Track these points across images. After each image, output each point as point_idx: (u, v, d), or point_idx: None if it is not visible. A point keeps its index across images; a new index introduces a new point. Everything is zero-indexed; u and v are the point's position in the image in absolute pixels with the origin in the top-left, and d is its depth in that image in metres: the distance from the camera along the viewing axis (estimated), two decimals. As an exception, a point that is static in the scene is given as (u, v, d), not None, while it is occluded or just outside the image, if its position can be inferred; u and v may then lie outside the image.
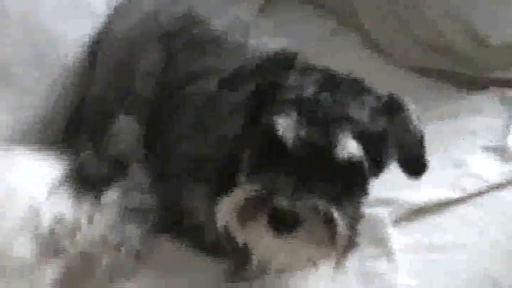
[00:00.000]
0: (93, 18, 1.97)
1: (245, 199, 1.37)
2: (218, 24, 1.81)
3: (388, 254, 1.68)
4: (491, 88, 2.07)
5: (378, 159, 1.44)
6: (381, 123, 1.43)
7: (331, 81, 1.44)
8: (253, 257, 1.46)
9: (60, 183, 1.76)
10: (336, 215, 1.34)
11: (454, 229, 1.76)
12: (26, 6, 1.88)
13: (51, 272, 1.59)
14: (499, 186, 1.86)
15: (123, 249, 1.62)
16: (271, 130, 1.37)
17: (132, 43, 1.88)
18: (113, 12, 2.00)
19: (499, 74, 2.06)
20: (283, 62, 1.47)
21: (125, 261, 1.62)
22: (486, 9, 2.06)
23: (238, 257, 1.58)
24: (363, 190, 1.43)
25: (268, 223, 1.33)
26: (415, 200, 1.78)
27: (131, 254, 1.63)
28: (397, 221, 1.75)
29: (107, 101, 1.86)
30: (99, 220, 1.67)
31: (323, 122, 1.36)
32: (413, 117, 1.47)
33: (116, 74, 1.88)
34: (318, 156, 1.35)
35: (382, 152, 1.45)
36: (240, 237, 1.42)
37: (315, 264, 1.43)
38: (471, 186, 1.82)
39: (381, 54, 2.21)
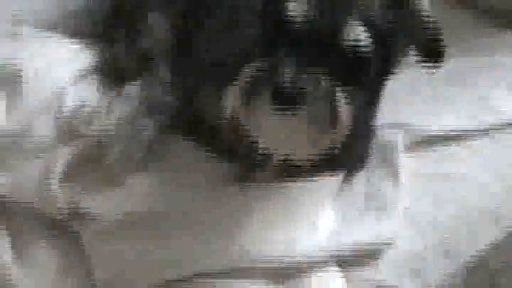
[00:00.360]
0: None
1: (249, 80, 1.39)
2: None
3: (394, 176, 1.68)
4: None
5: (386, 53, 1.45)
6: (391, 15, 1.44)
7: None
8: (259, 144, 1.48)
9: (88, 72, 1.81)
10: (338, 94, 1.36)
11: (465, 160, 1.76)
12: None
13: (66, 153, 1.63)
14: None
15: (137, 139, 1.66)
16: (281, 12, 1.40)
17: None
18: None
19: None
20: None
21: (136, 151, 1.66)
22: None
23: (248, 160, 1.60)
24: (366, 78, 1.44)
25: (271, 100, 1.35)
26: (430, 127, 1.77)
27: (143, 145, 1.66)
28: (409, 147, 1.75)
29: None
30: (117, 110, 1.71)
31: (332, 6, 1.38)
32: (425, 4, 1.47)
33: None
34: (324, 39, 1.37)
35: (391, 45, 1.46)
36: (246, 122, 1.43)
37: (317, 149, 1.44)
38: (488, 119, 1.81)
39: None
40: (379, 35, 1.42)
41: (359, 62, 1.41)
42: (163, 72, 1.79)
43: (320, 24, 1.39)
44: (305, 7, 1.40)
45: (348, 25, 1.38)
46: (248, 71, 1.41)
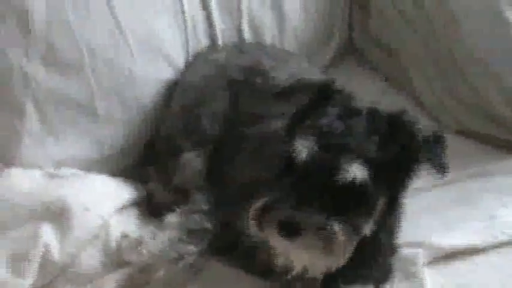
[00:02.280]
0: (171, 66, 2.08)
1: (262, 210, 1.51)
2: (279, 75, 1.93)
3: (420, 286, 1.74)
4: None
5: (393, 181, 1.56)
6: (391, 149, 1.54)
7: (350, 112, 1.56)
8: (277, 260, 1.61)
9: (128, 206, 1.90)
10: (331, 228, 1.48)
11: (481, 274, 1.78)
12: (111, 50, 1.99)
13: (113, 279, 1.71)
14: None
15: (180, 264, 1.72)
16: (291, 150, 1.53)
17: (202, 89, 2.02)
18: (187, 63, 2.12)
19: None
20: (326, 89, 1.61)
21: (180, 275, 1.72)
22: None
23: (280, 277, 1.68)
24: (370, 206, 1.54)
25: (277, 229, 1.48)
26: (446, 244, 1.81)
27: (186, 269, 1.73)
28: (429, 263, 1.78)
29: (175, 138, 1.98)
30: (161, 237, 1.77)
31: (334, 148, 1.50)
32: (418, 132, 1.55)
33: (188, 115, 1.99)
34: (324, 176, 1.49)
35: (395, 174, 1.56)
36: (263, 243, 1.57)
37: (329, 269, 1.56)
38: (501, 235, 1.84)
39: (429, 116, 2.25)
40: (377, 169, 1.52)
41: (357, 194, 1.51)
42: (200, 202, 1.85)
43: (322, 162, 1.50)
44: (310, 144, 1.52)
45: (343, 166, 1.49)
46: (257, 203, 1.52)
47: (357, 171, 1.49)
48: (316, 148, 1.52)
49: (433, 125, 2.14)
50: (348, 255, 1.54)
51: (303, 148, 1.53)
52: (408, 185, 1.63)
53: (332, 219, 1.48)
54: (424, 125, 1.60)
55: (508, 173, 2.06)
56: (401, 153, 1.57)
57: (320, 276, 1.64)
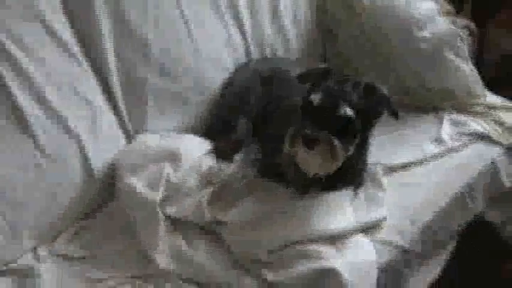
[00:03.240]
0: (225, 72, 2.11)
1: (291, 134, 1.58)
2: (291, 72, 1.92)
3: (381, 187, 1.82)
4: (431, 112, 2.12)
5: (364, 120, 1.62)
6: (365, 101, 1.62)
7: (341, 79, 1.64)
8: (300, 167, 1.65)
9: (209, 152, 1.93)
10: (335, 141, 1.57)
11: (413, 177, 1.88)
12: (195, 62, 2.01)
13: (208, 191, 1.77)
14: (435, 156, 1.94)
15: (245, 180, 1.80)
16: (308, 99, 1.62)
17: (246, 84, 2.04)
18: (234, 70, 2.14)
19: (436, 104, 2.12)
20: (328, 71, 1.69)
21: (244, 189, 1.78)
22: (429, 68, 2.11)
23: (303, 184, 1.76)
24: (354, 133, 1.61)
25: (301, 143, 1.57)
26: (393, 163, 1.91)
27: (248, 183, 1.79)
28: (385, 174, 1.87)
29: (232, 113, 2.01)
30: (232, 166, 1.86)
31: (334, 97, 1.59)
32: (382, 92, 1.64)
33: (239, 100, 2.01)
34: (329, 112, 1.57)
35: (368, 114, 1.64)
36: (293, 156, 1.62)
37: (328, 170, 1.63)
38: (421, 156, 1.93)
39: None
40: (358, 111, 1.60)
41: (348, 124, 1.60)
42: (252, 147, 1.93)
43: (327, 105, 1.59)
44: (320, 96, 1.60)
45: (340, 106, 1.58)
46: (290, 131, 1.60)
47: (347, 110, 1.59)
48: (324, 97, 1.60)
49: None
50: (341, 161, 1.61)
51: (316, 98, 1.60)
52: (375, 125, 1.71)
53: (334, 137, 1.57)
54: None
55: (422, 123, 2.09)
56: (374, 104, 1.65)
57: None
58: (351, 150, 1.64)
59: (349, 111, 1.58)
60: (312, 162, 1.62)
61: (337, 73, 1.68)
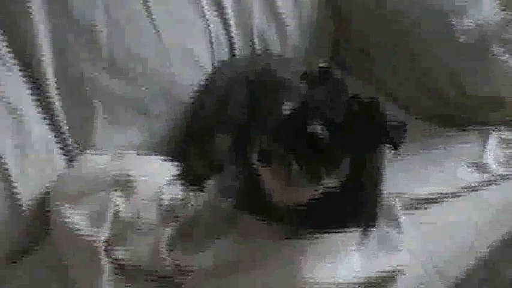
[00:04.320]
0: (202, 73, 2.13)
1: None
2: (284, 74, 1.98)
3: (398, 227, 1.80)
4: (472, 126, 2.13)
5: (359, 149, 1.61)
6: (357, 122, 1.58)
7: (336, 91, 1.62)
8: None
9: (175, 178, 1.92)
10: (292, 162, 1.55)
11: (445, 214, 1.86)
12: (157, 62, 2.05)
13: (169, 229, 1.75)
14: (476, 187, 1.93)
15: (217, 214, 1.77)
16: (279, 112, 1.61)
17: (228, 88, 2.06)
18: (214, 70, 2.17)
19: (480, 117, 2.13)
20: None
21: (219, 225, 1.76)
22: (470, 68, 2.12)
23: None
24: (331, 165, 1.59)
25: (257, 156, 1.56)
26: (418, 194, 1.89)
27: (223, 217, 1.77)
28: (405, 208, 1.85)
29: (210, 125, 2.03)
30: (202, 195, 1.84)
31: (310, 109, 1.58)
32: (383, 115, 1.59)
33: (217, 107, 2.05)
34: (298, 127, 1.56)
35: (361, 144, 1.61)
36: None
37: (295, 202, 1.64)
38: (457, 186, 1.92)
39: (399, 105, 2.25)
40: (341, 132, 1.57)
41: (320, 148, 1.57)
42: (232, 170, 1.91)
43: (296, 118, 1.57)
44: (291, 106, 1.59)
45: (311, 121, 1.56)
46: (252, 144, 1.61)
47: (319, 129, 1.56)
48: (296, 107, 1.59)
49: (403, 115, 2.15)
50: (309, 193, 1.62)
51: (288, 107, 1.60)
52: (374, 153, 1.69)
53: (294, 159, 1.55)
54: (393, 115, 1.64)
55: (460, 142, 2.10)
56: (369, 129, 1.61)
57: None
58: (334, 180, 1.62)
59: (320, 130, 1.56)
60: (269, 182, 1.63)
61: (338, 78, 1.67)
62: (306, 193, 1.62)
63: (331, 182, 1.62)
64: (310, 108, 1.59)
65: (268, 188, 1.66)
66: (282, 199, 1.67)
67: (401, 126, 1.62)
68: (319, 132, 1.56)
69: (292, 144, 1.56)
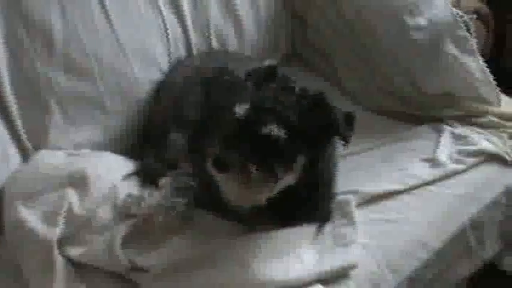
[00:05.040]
0: (158, 70, 2.14)
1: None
2: (242, 73, 1.88)
3: (352, 223, 1.80)
4: (426, 121, 2.14)
5: (312, 145, 1.62)
6: (311, 120, 1.61)
7: (284, 89, 1.64)
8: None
9: (130, 175, 1.92)
10: (248, 165, 1.55)
11: (398, 210, 1.87)
12: (113, 59, 2.04)
13: (123, 227, 1.74)
14: (428, 183, 1.94)
15: (173, 213, 1.77)
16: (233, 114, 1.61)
17: (183, 86, 2.06)
18: (170, 68, 2.17)
19: (433, 113, 2.14)
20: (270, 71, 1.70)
21: (174, 222, 1.76)
22: (424, 66, 2.12)
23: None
24: (287, 163, 1.60)
25: (212, 165, 1.57)
26: (371, 190, 1.90)
27: (179, 217, 1.77)
28: (359, 205, 1.86)
29: (165, 123, 2.03)
30: (157, 194, 1.83)
31: (261, 111, 1.59)
32: (332, 108, 1.62)
33: (173, 105, 2.04)
34: (254, 129, 1.57)
35: (314, 140, 1.63)
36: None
37: (254, 202, 1.64)
38: (410, 182, 1.93)
39: (354, 101, 2.27)
40: (297, 133, 1.59)
41: (276, 148, 1.58)
42: (185, 169, 1.92)
43: (252, 120, 1.58)
44: (245, 109, 1.60)
45: (267, 123, 1.57)
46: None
47: (275, 129, 1.57)
48: (249, 109, 1.60)
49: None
50: (267, 194, 1.61)
51: (241, 110, 1.60)
52: (327, 149, 1.70)
53: (250, 162, 1.55)
54: (341, 105, 1.67)
55: (414, 138, 2.11)
56: (320, 124, 1.63)
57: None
58: (289, 178, 1.63)
59: (276, 131, 1.57)
60: (227, 188, 1.62)
61: (283, 74, 1.68)
62: (264, 194, 1.62)
63: (287, 181, 1.63)
64: (261, 108, 1.60)
65: (226, 193, 1.65)
66: (241, 202, 1.66)
67: (349, 117, 1.65)
68: (275, 132, 1.57)
69: (247, 148, 1.56)
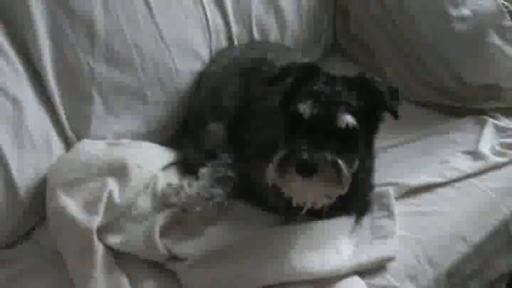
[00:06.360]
0: (199, 61, 2.13)
1: (280, 160, 1.56)
2: (281, 63, 1.88)
3: (391, 215, 1.79)
4: (469, 114, 2.11)
5: (369, 123, 1.62)
6: (364, 100, 1.61)
7: (331, 79, 1.63)
8: (293, 200, 1.64)
9: (170, 165, 1.94)
10: (340, 162, 1.53)
11: (438, 203, 1.86)
12: (154, 50, 2.04)
13: (162, 217, 1.75)
14: (469, 176, 1.91)
15: (211, 203, 1.77)
16: (295, 112, 1.59)
17: (222, 77, 2.06)
18: (211, 58, 2.16)
19: (475, 105, 2.11)
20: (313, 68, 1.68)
21: (212, 212, 1.77)
22: (466, 57, 2.10)
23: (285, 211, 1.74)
24: (357, 146, 1.60)
25: (296, 172, 1.53)
26: (411, 182, 1.87)
27: (216, 207, 1.78)
28: (399, 197, 1.85)
29: (204, 113, 2.03)
30: (196, 184, 1.82)
31: (328, 104, 1.57)
32: (380, 86, 1.62)
33: (211, 96, 2.04)
34: (324, 125, 1.55)
35: (369, 117, 1.63)
36: (282, 187, 1.60)
37: (330, 199, 1.62)
38: (451, 174, 1.91)
39: None
40: (360, 117, 1.59)
41: (351, 137, 1.58)
42: (225, 159, 1.89)
43: (322, 115, 1.57)
44: (310, 105, 1.58)
45: (339, 115, 1.56)
46: (278, 155, 1.57)
47: (348, 119, 1.57)
48: (315, 105, 1.58)
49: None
50: (347, 187, 1.60)
51: (306, 108, 1.58)
52: (378, 129, 1.69)
53: (339, 157, 1.55)
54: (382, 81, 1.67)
55: (456, 130, 2.09)
56: (371, 104, 1.63)
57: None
58: (355, 167, 1.61)
59: (351, 120, 1.57)
60: (311, 194, 1.61)
61: (321, 69, 1.67)
62: (344, 190, 1.60)
63: (356, 166, 1.63)
64: (328, 102, 1.58)
65: (300, 198, 1.63)
66: (319, 203, 1.65)
67: (394, 90, 1.65)
68: (351, 123, 1.57)
69: (333, 147, 1.55)
